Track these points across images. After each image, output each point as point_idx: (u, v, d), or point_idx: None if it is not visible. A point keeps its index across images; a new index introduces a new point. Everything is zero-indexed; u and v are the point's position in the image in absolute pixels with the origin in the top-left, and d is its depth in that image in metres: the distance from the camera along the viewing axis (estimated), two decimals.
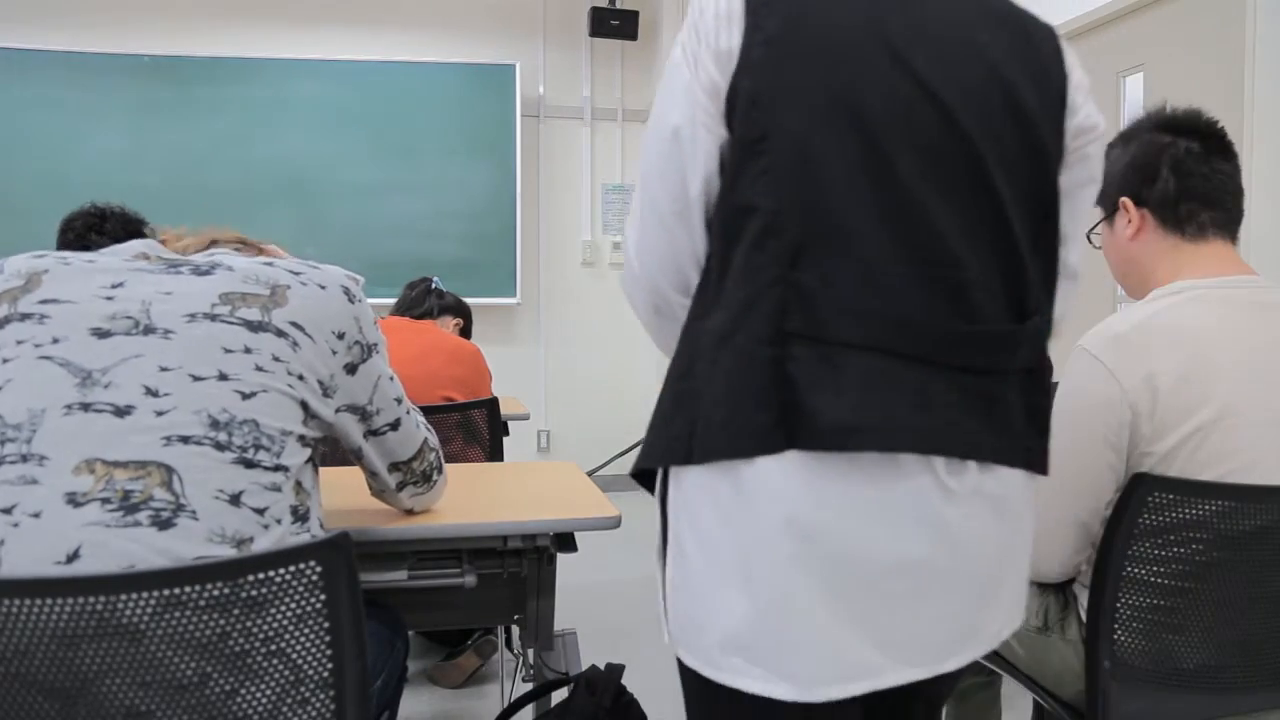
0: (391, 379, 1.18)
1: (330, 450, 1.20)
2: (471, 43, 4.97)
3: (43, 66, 4.41)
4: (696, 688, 0.90)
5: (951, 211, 0.84)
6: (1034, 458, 0.91)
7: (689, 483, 0.87)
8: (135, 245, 1.07)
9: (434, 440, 1.30)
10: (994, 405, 0.86)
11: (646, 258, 0.93)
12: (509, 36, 5.03)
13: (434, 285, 2.68)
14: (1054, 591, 1.35)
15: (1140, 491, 1.14)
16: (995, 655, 1.44)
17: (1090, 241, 1.41)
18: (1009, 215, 0.86)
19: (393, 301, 2.70)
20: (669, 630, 0.92)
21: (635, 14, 4.93)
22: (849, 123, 0.82)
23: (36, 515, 0.85)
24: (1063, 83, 0.91)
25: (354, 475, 1.32)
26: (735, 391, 0.82)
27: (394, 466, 1.23)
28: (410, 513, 1.32)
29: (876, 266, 0.82)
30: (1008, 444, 0.87)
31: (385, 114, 4.74)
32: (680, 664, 0.91)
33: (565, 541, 1.46)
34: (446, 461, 2.04)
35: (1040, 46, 0.91)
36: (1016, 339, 0.88)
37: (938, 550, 0.83)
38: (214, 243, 1.18)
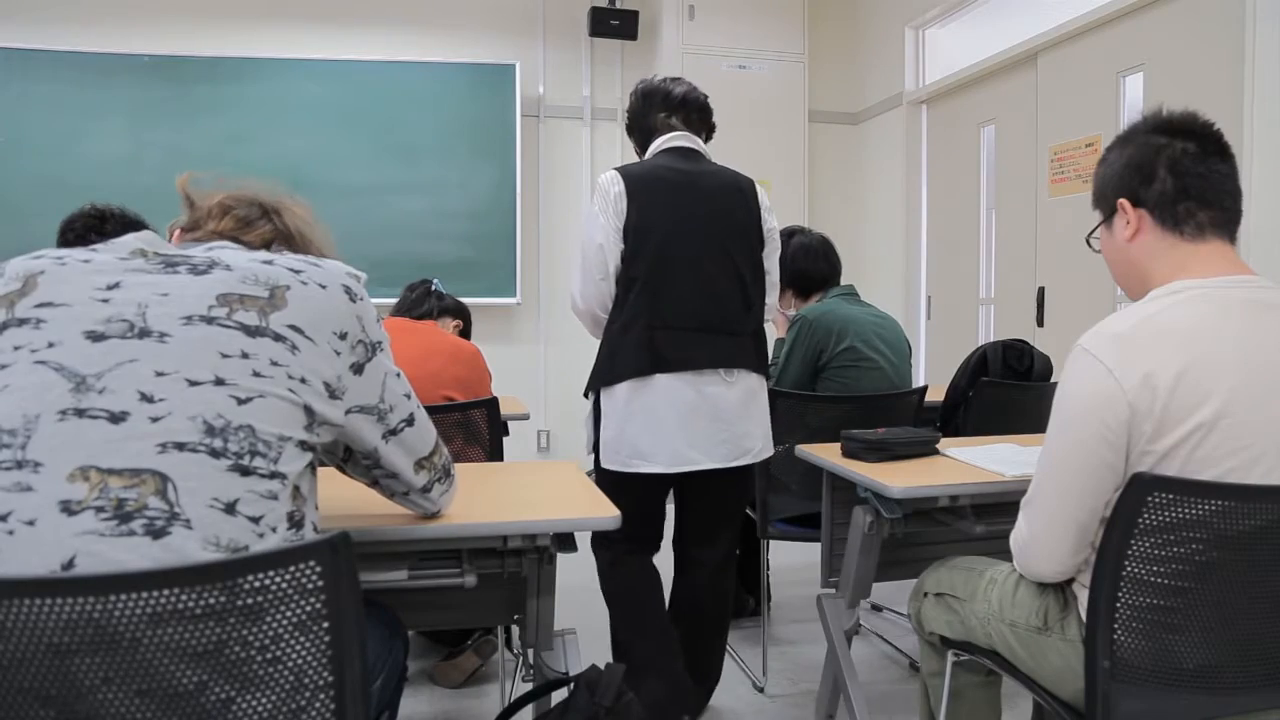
0: (398, 375, 1.17)
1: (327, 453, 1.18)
2: (471, 43, 4.97)
3: (43, 66, 4.41)
4: (611, 480, 1.97)
5: (717, 270, 2.02)
6: (760, 368, 2.09)
7: (613, 392, 2.00)
8: (130, 240, 1.05)
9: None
10: (741, 346, 2.05)
11: (588, 297, 2.04)
12: (509, 36, 5.03)
13: (434, 287, 2.68)
14: (1054, 591, 1.35)
15: (1139, 491, 1.14)
16: (995, 655, 1.44)
17: (1090, 245, 1.41)
18: (740, 268, 2.05)
19: (393, 302, 2.70)
20: (599, 458, 2.05)
21: (635, 14, 4.93)
22: (675, 241, 1.98)
23: (31, 523, 0.84)
24: (759, 211, 2.11)
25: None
26: (634, 351, 1.97)
27: (419, 465, 1.21)
28: (435, 516, 1.31)
29: (689, 296, 1.98)
30: (747, 361, 2.05)
31: (385, 114, 4.75)
32: (603, 472, 2.02)
33: (565, 541, 1.46)
34: None
35: (749, 194, 2.11)
36: (745, 319, 2.06)
37: (721, 406, 2.00)
38: (222, 213, 1.16)
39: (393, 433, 1.16)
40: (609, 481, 1.95)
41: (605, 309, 2.02)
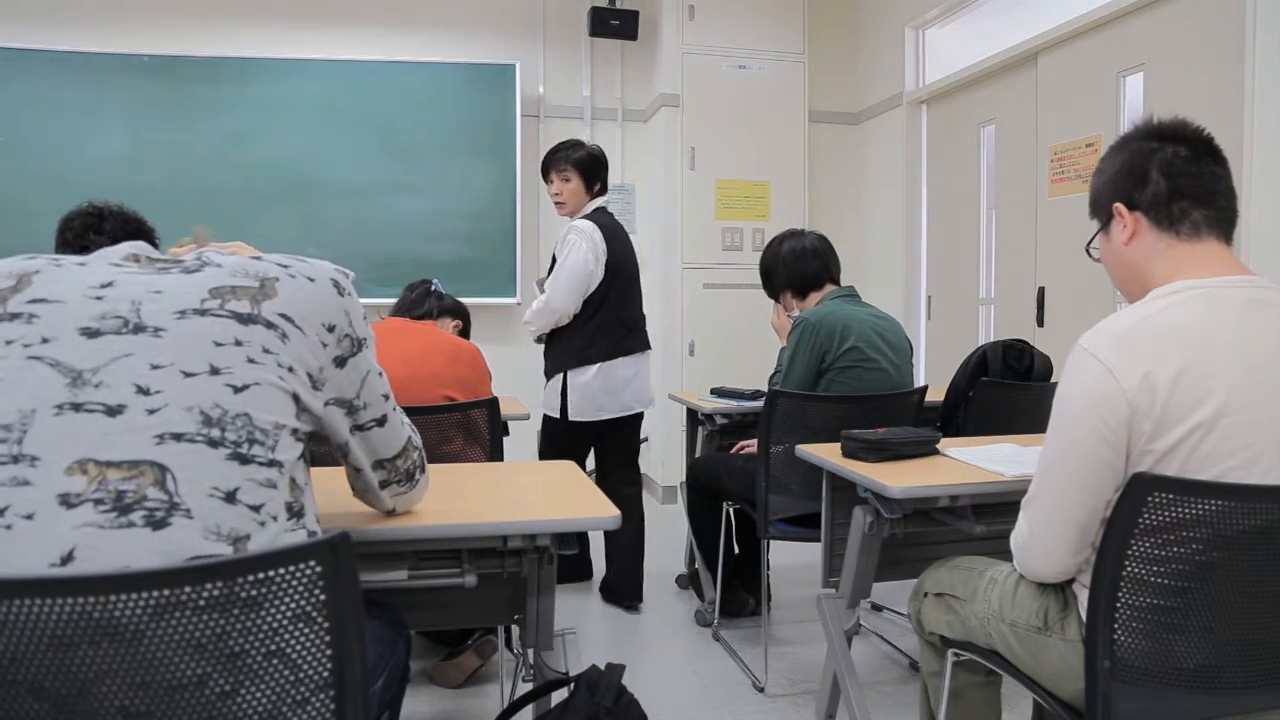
0: (380, 375, 1.18)
1: (326, 451, 1.19)
2: (471, 43, 4.97)
3: (43, 66, 4.41)
4: (565, 426, 3.16)
5: (636, 288, 3.29)
6: (646, 347, 3.33)
7: (574, 371, 3.15)
8: (124, 247, 1.06)
9: (418, 439, 1.29)
10: (644, 335, 3.32)
11: (569, 305, 3.10)
12: (509, 36, 5.03)
13: (434, 287, 2.68)
14: (1054, 591, 1.35)
15: (1139, 491, 1.14)
16: (995, 655, 1.44)
17: (1090, 255, 1.42)
18: (639, 283, 3.31)
19: (392, 302, 2.70)
20: (567, 413, 3.15)
21: (635, 14, 4.92)
22: (623, 270, 3.19)
23: (29, 517, 0.84)
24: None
25: None
26: (598, 341, 3.16)
27: (378, 464, 1.22)
28: (391, 513, 1.32)
29: (627, 306, 3.23)
30: (646, 344, 3.31)
31: (385, 114, 4.74)
32: (559, 421, 3.18)
33: (565, 541, 1.46)
34: (447, 461, 2.04)
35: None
36: (643, 317, 3.33)
37: (623, 379, 3.20)
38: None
39: (360, 428, 1.16)
40: (564, 429, 3.17)
41: (574, 312, 3.11)
